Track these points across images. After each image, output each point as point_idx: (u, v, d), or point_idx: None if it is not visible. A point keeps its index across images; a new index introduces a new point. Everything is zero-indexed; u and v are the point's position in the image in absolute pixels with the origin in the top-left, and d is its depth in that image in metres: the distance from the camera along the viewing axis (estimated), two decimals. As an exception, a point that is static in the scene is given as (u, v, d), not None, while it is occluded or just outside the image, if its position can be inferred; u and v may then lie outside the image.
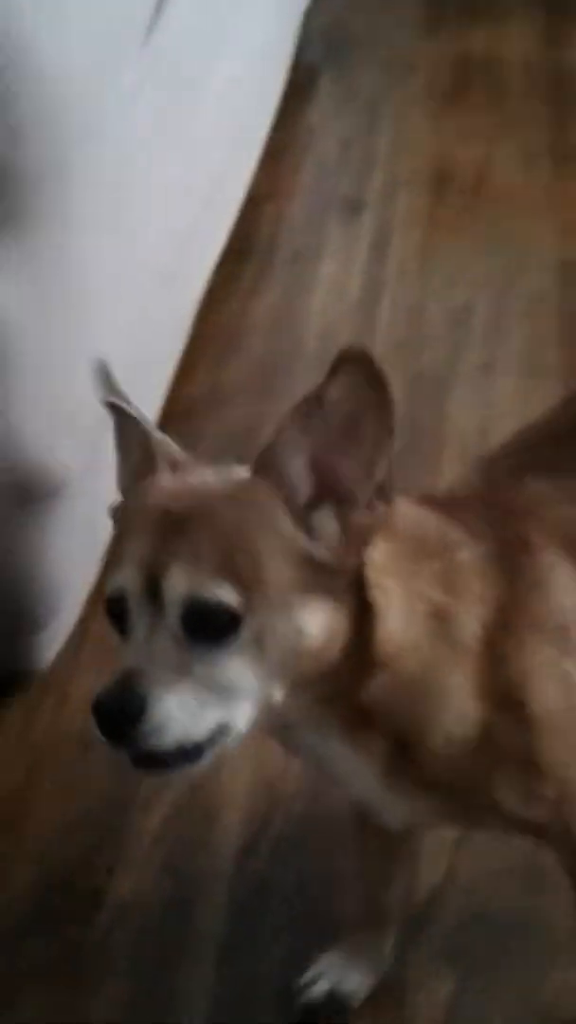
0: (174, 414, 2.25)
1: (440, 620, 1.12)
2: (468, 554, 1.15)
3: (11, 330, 1.57)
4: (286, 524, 1.06)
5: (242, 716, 1.06)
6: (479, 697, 1.13)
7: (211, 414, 2.45)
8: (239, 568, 1.03)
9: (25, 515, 1.73)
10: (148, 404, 2.07)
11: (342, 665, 1.08)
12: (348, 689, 1.10)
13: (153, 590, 1.05)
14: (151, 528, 1.07)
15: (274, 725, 1.13)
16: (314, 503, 1.06)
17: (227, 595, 1.03)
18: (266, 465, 1.06)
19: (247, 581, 1.03)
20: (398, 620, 1.10)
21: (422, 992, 1.45)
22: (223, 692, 1.04)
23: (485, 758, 1.15)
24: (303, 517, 1.06)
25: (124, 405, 1.15)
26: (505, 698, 1.14)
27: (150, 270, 1.94)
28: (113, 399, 1.16)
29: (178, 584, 1.04)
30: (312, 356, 2.58)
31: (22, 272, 1.56)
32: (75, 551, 1.80)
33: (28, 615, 1.78)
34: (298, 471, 1.06)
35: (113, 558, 1.10)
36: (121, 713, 1.02)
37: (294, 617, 1.05)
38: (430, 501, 1.19)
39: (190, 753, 1.05)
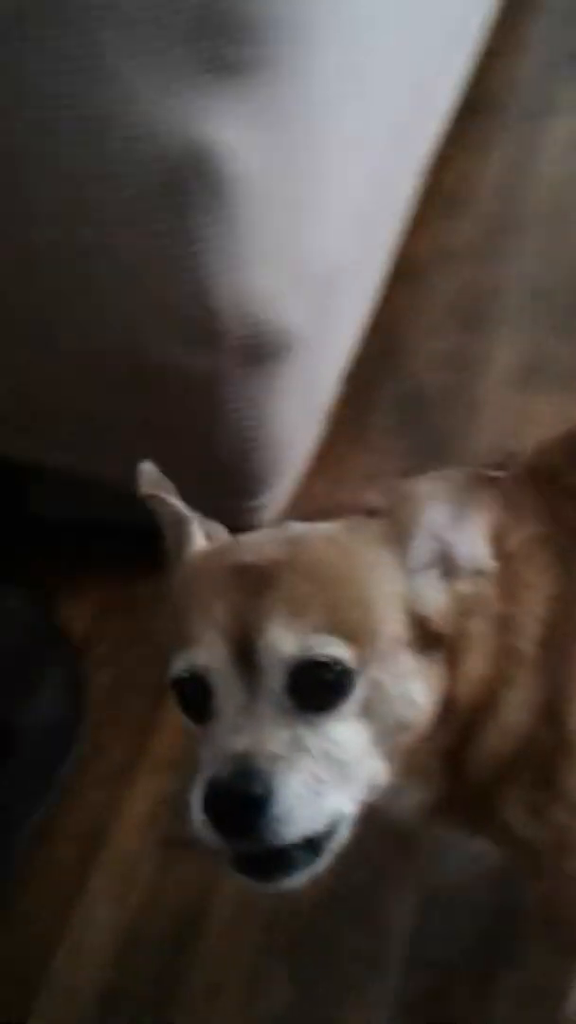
0: (403, 273, 2.19)
1: (503, 632, 1.03)
2: (518, 541, 1.05)
3: (246, 182, 1.53)
4: (400, 582, 0.97)
5: (352, 799, 0.95)
6: (530, 711, 1.05)
7: (440, 273, 2.38)
8: (349, 619, 0.93)
9: (252, 375, 1.71)
10: (377, 261, 2.01)
11: (432, 726, 0.99)
12: (437, 746, 1.01)
13: (246, 657, 0.92)
14: (228, 588, 0.95)
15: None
16: (427, 570, 0.98)
17: (339, 650, 0.92)
18: (402, 516, 0.98)
19: (358, 634, 0.93)
20: (477, 661, 1.01)
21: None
22: (338, 769, 0.93)
23: (508, 771, 1.06)
24: (414, 582, 0.98)
25: (164, 496, 1.06)
26: (551, 711, 1.05)
27: (384, 124, 1.88)
28: (154, 492, 1.07)
29: (281, 643, 0.91)
30: (542, 216, 2.49)
31: (260, 121, 1.52)
32: (297, 413, 1.78)
33: (252, 477, 1.77)
34: (429, 528, 0.98)
35: (176, 638, 0.97)
36: (245, 800, 0.89)
37: (406, 678, 0.95)
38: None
39: (311, 849, 0.93)
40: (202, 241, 1.57)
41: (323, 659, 0.91)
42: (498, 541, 1.00)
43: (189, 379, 1.69)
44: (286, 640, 0.91)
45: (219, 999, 1.43)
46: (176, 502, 1.06)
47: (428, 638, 0.97)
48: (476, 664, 1.01)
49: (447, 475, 0.98)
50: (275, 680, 0.92)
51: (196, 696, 0.94)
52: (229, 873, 0.93)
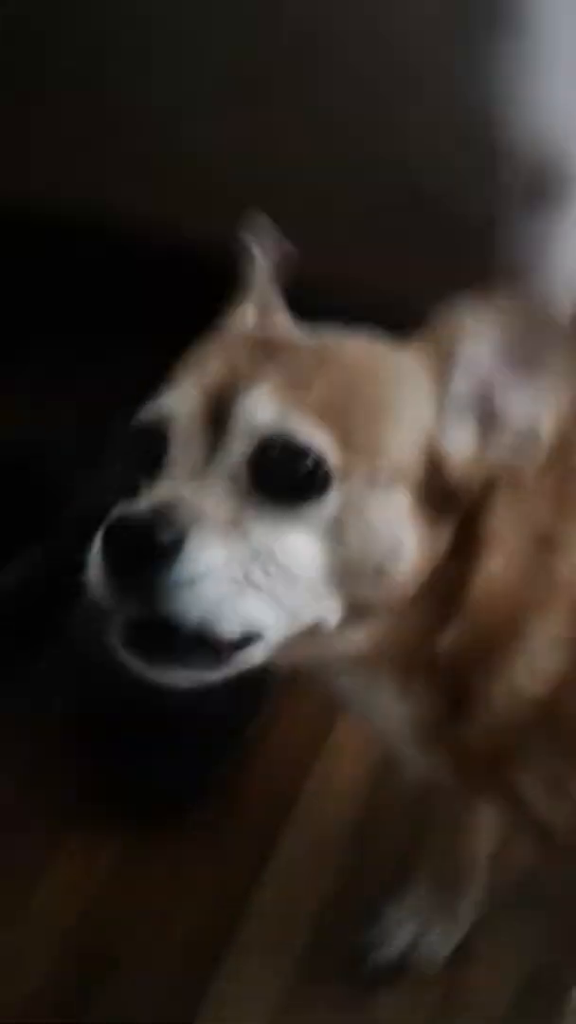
0: None
1: (543, 549, 0.88)
2: None
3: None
4: (429, 410, 0.84)
5: (280, 625, 0.80)
6: (560, 646, 0.89)
7: None
8: (350, 421, 0.80)
9: (533, 215, 1.63)
10: None
11: (416, 608, 0.85)
12: (419, 636, 0.87)
13: (218, 418, 0.80)
14: (236, 348, 0.84)
15: (311, 665, 0.90)
16: (461, 411, 0.85)
17: (324, 443, 0.79)
18: (443, 343, 0.85)
19: (355, 440, 0.80)
20: (500, 563, 0.86)
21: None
22: (277, 579, 0.78)
23: (531, 733, 0.93)
24: (444, 418, 0.84)
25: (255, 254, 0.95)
26: None
27: None
28: (253, 245, 0.95)
29: (258, 409, 0.79)
30: None
31: None
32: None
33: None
34: (473, 369, 0.85)
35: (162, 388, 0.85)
36: (149, 540, 0.75)
37: (396, 517, 0.81)
38: None
39: (209, 651, 0.79)
40: (495, 53, 1.48)
41: (299, 444, 0.79)
42: (568, 456, 0.87)
43: (463, 218, 1.62)
44: (266, 408, 0.79)
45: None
46: (258, 268, 0.95)
47: (440, 494, 0.83)
48: (500, 567, 0.86)
49: (516, 310, 0.85)
50: (240, 449, 0.79)
51: (150, 451, 0.82)
52: (114, 650, 0.80)
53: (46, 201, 1.78)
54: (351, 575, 0.81)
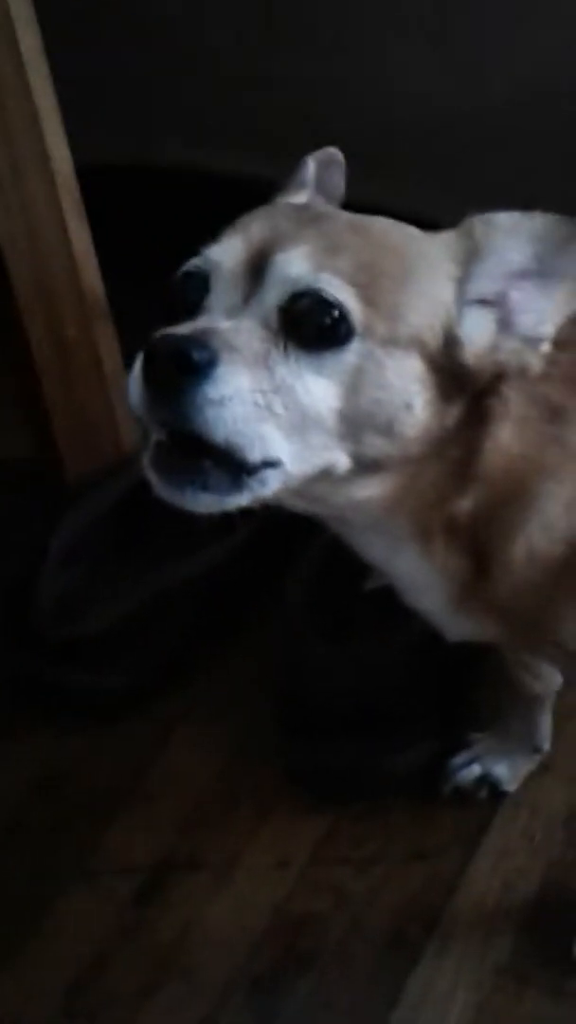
0: None
1: (554, 421, 0.96)
2: None
3: None
4: (449, 293, 0.91)
5: (296, 458, 0.87)
6: (574, 509, 0.97)
7: None
8: (377, 285, 0.87)
9: None
10: None
11: (433, 470, 0.93)
12: (434, 498, 0.95)
13: (257, 269, 0.88)
14: (282, 215, 0.92)
15: (333, 515, 0.98)
16: (479, 303, 0.91)
17: (350, 300, 0.86)
18: (473, 236, 0.91)
19: (379, 303, 0.87)
20: (509, 433, 0.94)
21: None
22: (295, 414, 0.86)
23: (558, 586, 1.00)
24: (462, 304, 0.91)
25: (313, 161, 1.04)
26: None
27: None
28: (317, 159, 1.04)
29: (294, 264, 0.87)
30: None
31: None
32: None
33: None
34: (497, 266, 0.91)
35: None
36: (186, 357, 0.82)
37: (409, 377, 0.88)
38: None
39: (227, 476, 0.86)
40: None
41: (328, 298, 0.86)
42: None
43: None
44: (301, 264, 0.87)
45: None
46: (306, 172, 1.04)
47: (452, 372, 0.90)
48: (511, 436, 0.94)
49: (551, 221, 0.90)
50: (274, 297, 0.87)
51: (194, 293, 0.90)
52: (145, 467, 0.88)
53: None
54: (362, 424, 0.88)
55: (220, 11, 1.84)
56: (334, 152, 1.06)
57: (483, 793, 1.39)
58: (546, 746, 1.41)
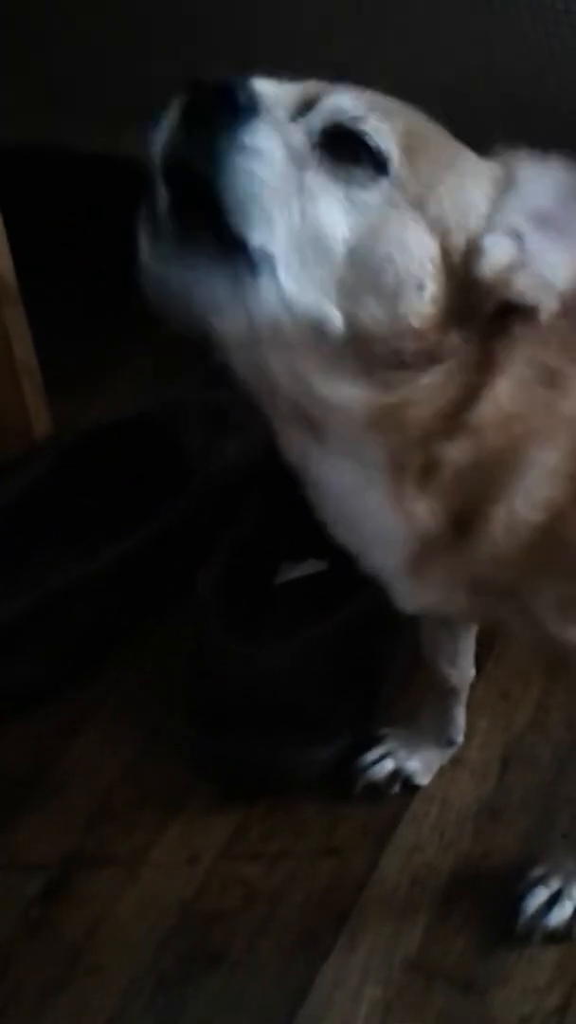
0: None
1: (549, 386, 0.94)
2: None
3: None
4: (483, 206, 0.90)
5: (294, 278, 0.84)
6: (561, 477, 0.96)
7: None
8: (422, 156, 0.87)
9: None
10: None
11: (424, 403, 0.91)
12: (417, 433, 0.93)
13: (309, 105, 0.87)
14: (335, 87, 0.90)
15: (308, 419, 0.93)
16: (503, 231, 0.90)
17: (387, 144, 0.86)
18: (510, 166, 0.92)
19: (420, 170, 0.87)
20: (507, 389, 0.93)
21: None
22: (308, 229, 0.83)
23: (538, 557, 0.99)
24: (490, 225, 0.90)
25: None
26: None
27: None
28: None
29: (348, 101, 0.87)
30: None
31: None
32: None
33: None
34: (523, 201, 0.90)
35: None
36: (232, 95, 0.82)
37: (426, 250, 0.87)
38: None
39: (228, 257, 0.83)
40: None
41: (371, 130, 0.86)
42: None
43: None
44: (353, 103, 0.87)
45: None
46: None
47: (466, 282, 0.89)
48: (509, 392, 0.93)
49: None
50: (319, 119, 0.86)
51: (228, 108, 0.86)
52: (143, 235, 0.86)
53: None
54: (368, 279, 0.85)
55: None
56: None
57: (396, 788, 1.39)
58: (459, 739, 1.41)
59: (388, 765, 1.38)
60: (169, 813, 1.39)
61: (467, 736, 1.43)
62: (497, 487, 0.96)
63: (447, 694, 1.37)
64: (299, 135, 0.85)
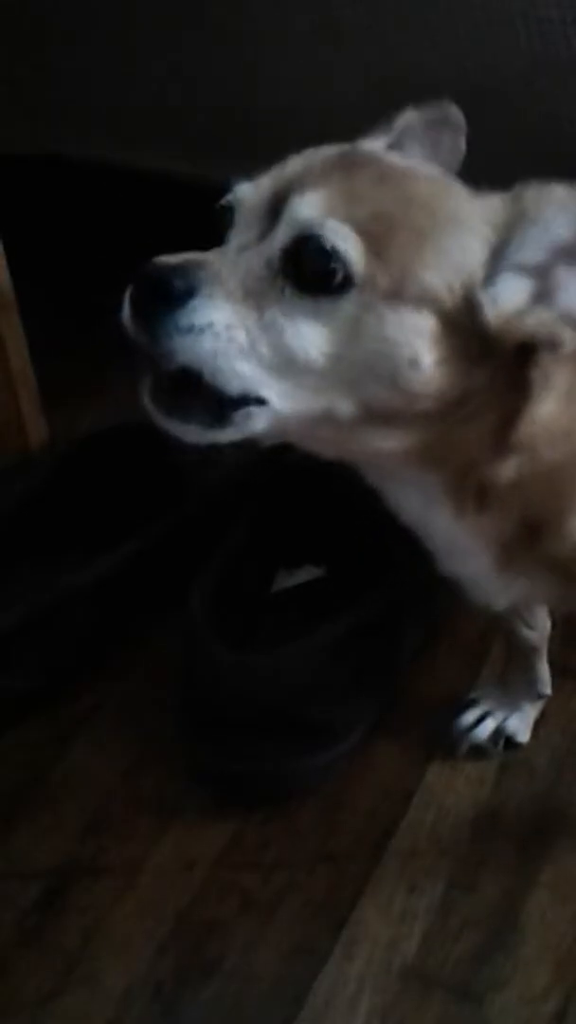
0: None
1: None
2: None
3: None
4: (478, 256, 0.89)
5: (285, 397, 0.88)
6: None
7: None
8: (391, 238, 0.87)
9: None
10: None
11: (465, 433, 0.93)
12: (465, 460, 0.96)
13: (275, 209, 0.90)
14: (321, 160, 0.92)
15: (364, 463, 0.99)
16: (519, 271, 0.90)
17: (353, 253, 0.86)
18: (523, 202, 0.90)
19: (390, 258, 0.87)
20: (553, 406, 0.94)
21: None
22: (280, 355, 0.87)
23: None
24: (495, 269, 0.89)
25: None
26: None
27: None
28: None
29: (306, 208, 0.88)
30: None
31: None
32: None
33: None
34: (545, 237, 0.89)
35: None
36: (165, 284, 0.86)
37: (412, 331, 0.87)
38: None
39: (212, 406, 0.88)
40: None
41: (327, 245, 0.86)
42: None
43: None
44: (312, 208, 0.87)
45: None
46: (401, 123, 1.03)
47: (475, 335, 0.89)
48: (556, 409, 0.94)
49: None
50: (279, 240, 0.88)
51: (221, 229, 0.93)
52: (143, 401, 0.91)
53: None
54: (361, 374, 0.88)
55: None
56: (451, 111, 1.05)
57: (499, 747, 1.41)
58: (548, 691, 1.43)
59: (489, 725, 1.42)
60: (165, 822, 1.38)
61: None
62: (570, 495, 0.99)
63: (529, 652, 1.39)
64: (260, 269, 0.88)
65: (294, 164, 0.92)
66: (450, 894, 1.30)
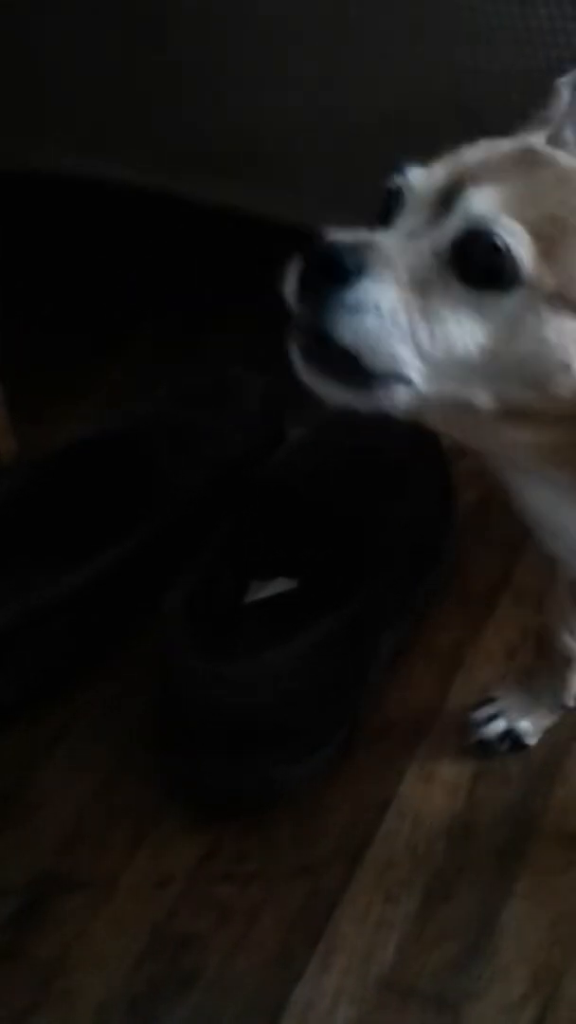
0: None
1: None
2: None
3: None
4: None
5: (430, 382, 0.88)
6: None
7: None
8: (563, 246, 0.87)
9: None
10: None
11: None
12: None
13: (448, 198, 0.89)
14: (499, 155, 0.92)
15: (492, 455, 0.99)
16: None
17: (523, 252, 0.86)
18: None
19: (561, 260, 0.87)
20: None
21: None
22: (438, 344, 0.87)
23: None
24: None
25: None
26: None
27: None
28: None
29: (482, 202, 0.87)
30: None
31: None
32: None
33: None
34: None
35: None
36: (337, 261, 0.86)
37: (571, 338, 0.87)
38: None
39: (360, 373, 0.87)
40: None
41: (499, 242, 0.86)
42: None
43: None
44: (488, 203, 0.87)
45: (574, 851, 1.33)
46: (558, 110, 1.00)
47: None
48: None
49: None
50: (451, 228, 0.88)
51: (391, 211, 0.92)
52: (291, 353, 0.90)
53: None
54: (511, 371, 0.88)
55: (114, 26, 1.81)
56: None
57: (505, 747, 1.42)
58: (572, 704, 1.43)
59: (501, 724, 1.42)
60: (141, 835, 1.38)
61: (438, 751, 1.43)
62: None
63: (566, 663, 1.39)
64: (427, 257, 0.88)
65: (471, 155, 0.92)
66: (426, 904, 1.30)
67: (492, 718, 1.43)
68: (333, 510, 1.54)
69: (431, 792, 1.40)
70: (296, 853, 1.35)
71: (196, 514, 1.59)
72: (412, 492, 1.58)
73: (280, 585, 1.55)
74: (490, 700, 1.45)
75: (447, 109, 1.54)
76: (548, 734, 1.43)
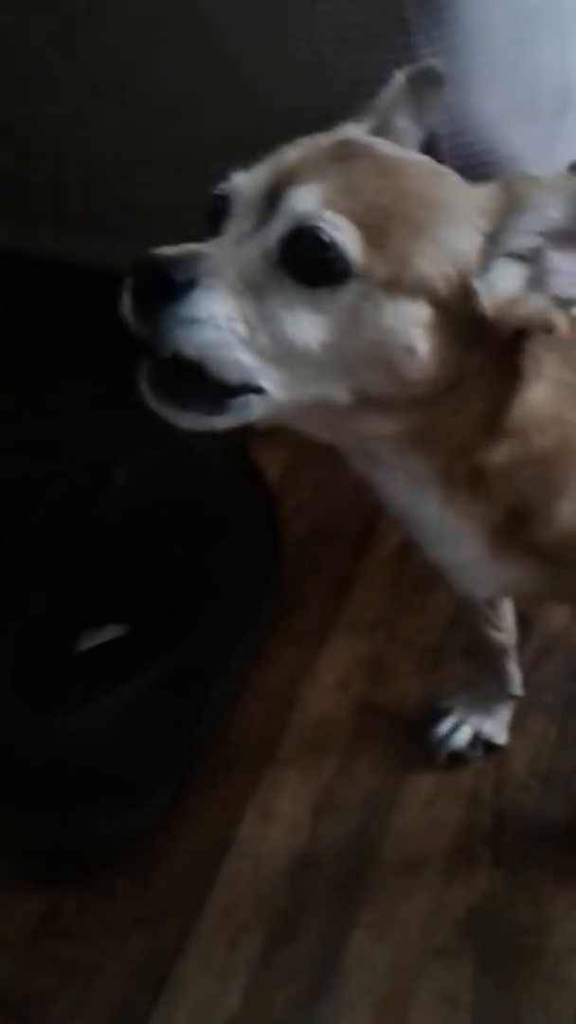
0: None
1: None
2: None
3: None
4: (473, 244, 0.90)
5: (283, 386, 0.89)
6: None
7: None
8: (388, 229, 0.88)
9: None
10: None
11: (456, 418, 0.95)
12: (456, 445, 0.97)
13: (272, 199, 0.90)
14: (317, 148, 0.93)
15: (353, 449, 1.00)
16: (512, 256, 0.91)
17: (351, 244, 0.87)
18: (516, 189, 0.91)
19: (387, 248, 0.88)
20: (542, 393, 0.96)
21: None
22: (279, 345, 0.87)
23: None
24: (490, 256, 0.90)
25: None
26: None
27: None
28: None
29: (303, 200, 0.88)
30: None
31: None
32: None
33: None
34: (538, 221, 0.90)
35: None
36: (165, 277, 0.86)
37: (412, 323, 0.89)
38: None
39: (209, 394, 0.88)
40: (420, 60, 1.41)
41: (325, 237, 0.87)
42: None
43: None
44: (310, 200, 0.88)
45: (414, 878, 1.33)
46: (385, 100, 1.03)
47: (470, 322, 0.90)
48: (545, 396, 0.96)
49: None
50: (278, 229, 0.88)
51: (219, 217, 0.93)
52: (141, 383, 0.90)
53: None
54: (358, 362, 0.89)
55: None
56: (430, 65, 1.05)
57: (478, 752, 1.43)
58: (519, 692, 1.44)
59: (466, 731, 1.43)
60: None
61: (276, 789, 1.42)
62: (558, 485, 1.00)
63: (498, 654, 1.41)
64: (258, 260, 0.88)
65: (290, 154, 0.92)
66: (270, 945, 1.29)
67: (456, 728, 1.44)
68: (161, 555, 1.53)
69: (271, 831, 1.40)
70: (136, 903, 1.33)
71: (23, 565, 1.56)
72: (235, 534, 1.58)
73: (110, 632, 1.54)
74: (443, 713, 1.45)
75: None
76: (382, 762, 1.44)
